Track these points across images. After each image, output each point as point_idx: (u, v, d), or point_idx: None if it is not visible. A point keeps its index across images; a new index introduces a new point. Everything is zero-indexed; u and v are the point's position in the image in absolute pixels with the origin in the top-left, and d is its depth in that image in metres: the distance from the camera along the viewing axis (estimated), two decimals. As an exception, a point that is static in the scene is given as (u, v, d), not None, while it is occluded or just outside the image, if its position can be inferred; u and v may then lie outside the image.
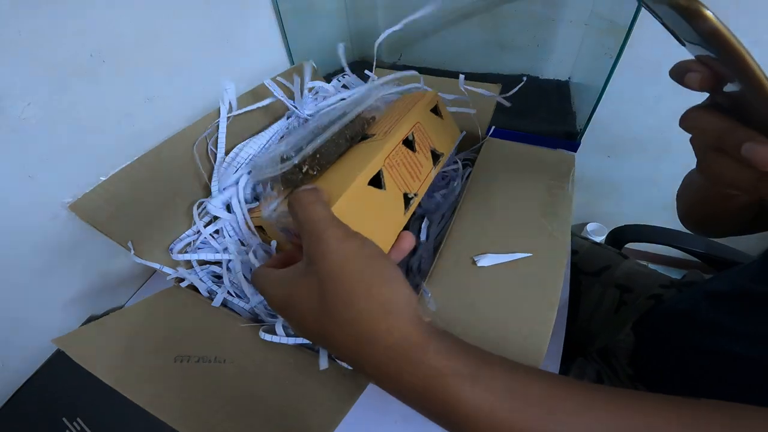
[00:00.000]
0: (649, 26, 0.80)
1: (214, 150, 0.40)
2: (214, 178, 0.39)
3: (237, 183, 0.39)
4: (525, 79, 0.50)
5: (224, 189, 0.39)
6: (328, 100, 0.46)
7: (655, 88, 0.83)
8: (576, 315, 0.66)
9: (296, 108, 0.45)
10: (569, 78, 0.79)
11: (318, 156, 0.33)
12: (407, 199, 0.34)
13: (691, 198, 0.45)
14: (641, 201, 1.08)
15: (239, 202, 0.38)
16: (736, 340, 0.40)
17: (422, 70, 0.79)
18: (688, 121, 0.23)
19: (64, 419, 0.37)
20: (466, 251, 0.36)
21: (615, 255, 0.68)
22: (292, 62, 0.69)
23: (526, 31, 0.76)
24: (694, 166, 0.26)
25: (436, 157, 0.40)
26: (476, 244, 0.36)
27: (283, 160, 0.33)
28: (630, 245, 0.76)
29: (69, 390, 0.39)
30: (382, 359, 0.20)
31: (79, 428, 0.36)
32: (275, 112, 0.47)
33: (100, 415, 0.37)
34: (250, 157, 0.41)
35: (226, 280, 0.35)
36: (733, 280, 0.46)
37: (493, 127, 0.51)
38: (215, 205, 0.38)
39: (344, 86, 0.53)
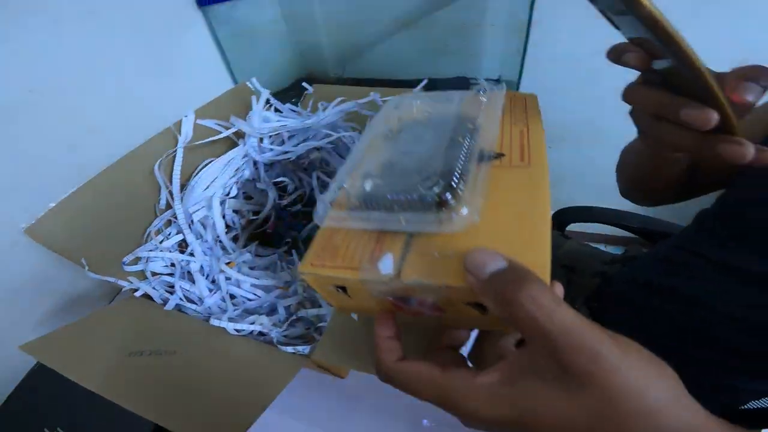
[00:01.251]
0: (566, 23, 0.87)
1: (158, 173, 0.44)
2: (176, 199, 0.43)
3: (210, 203, 0.43)
4: (426, 80, 0.55)
5: (194, 207, 0.43)
6: (275, 123, 0.49)
7: (578, 80, 0.90)
8: None
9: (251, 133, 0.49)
10: (499, 76, 0.84)
11: (462, 181, 0.24)
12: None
13: (632, 169, 0.49)
14: (584, 187, 1.15)
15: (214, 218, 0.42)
16: (683, 299, 0.45)
17: (367, 81, 0.84)
18: (629, 95, 0.27)
19: (45, 429, 0.39)
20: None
21: (558, 237, 0.73)
22: (235, 83, 0.73)
23: (456, 36, 0.82)
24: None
25: None
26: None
27: (428, 194, 0.23)
28: (573, 228, 0.82)
29: (48, 402, 0.42)
30: None
31: (60, 437, 0.39)
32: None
33: (78, 422, 0.40)
34: (215, 179, 0.45)
35: (177, 287, 0.39)
36: (675, 245, 0.50)
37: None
38: (183, 218, 0.41)
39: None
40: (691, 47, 0.21)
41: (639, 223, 0.75)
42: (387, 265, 0.22)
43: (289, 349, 0.36)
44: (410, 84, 0.58)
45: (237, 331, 0.37)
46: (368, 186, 0.24)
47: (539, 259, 0.21)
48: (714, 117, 0.23)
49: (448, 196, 0.22)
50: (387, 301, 0.24)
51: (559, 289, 0.25)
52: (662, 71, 0.24)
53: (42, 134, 0.41)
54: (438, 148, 0.26)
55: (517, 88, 0.67)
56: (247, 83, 0.51)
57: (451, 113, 0.30)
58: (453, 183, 0.23)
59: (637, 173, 0.49)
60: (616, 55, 0.25)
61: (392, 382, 0.23)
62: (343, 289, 0.25)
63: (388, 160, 0.26)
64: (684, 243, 0.49)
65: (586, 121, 0.99)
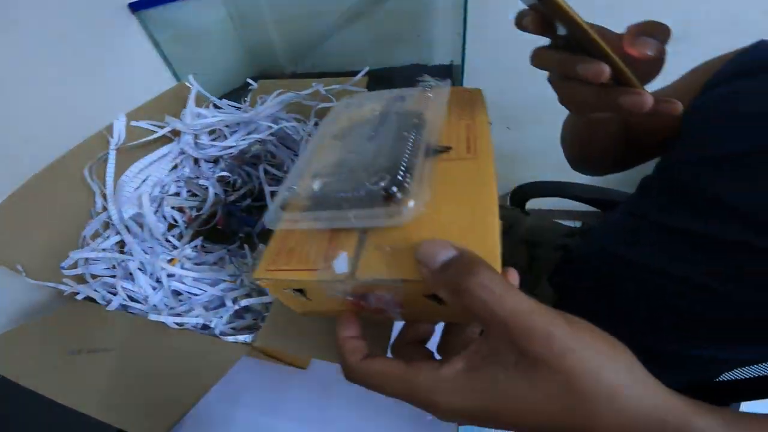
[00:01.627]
0: (506, 2, 0.88)
1: (91, 176, 0.43)
2: (109, 200, 0.43)
3: (141, 201, 0.43)
4: (368, 69, 0.55)
5: (124, 207, 0.43)
6: (210, 119, 0.49)
7: (528, 60, 0.91)
8: None
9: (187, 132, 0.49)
10: (451, 61, 0.84)
11: (408, 173, 0.24)
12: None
13: (569, 139, 0.52)
14: (546, 164, 1.16)
15: (150, 221, 0.42)
16: (637, 266, 0.45)
17: (321, 75, 0.84)
18: (535, 58, 0.29)
19: None
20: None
21: (518, 213, 0.73)
22: None
23: (407, 23, 0.82)
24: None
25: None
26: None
27: (374, 189, 0.23)
28: (534, 206, 0.83)
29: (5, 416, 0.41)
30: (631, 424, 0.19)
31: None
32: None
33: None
34: (147, 177, 0.45)
35: (119, 287, 0.39)
36: (623, 212, 0.52)
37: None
38: (117, 218, 0.42)
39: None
40: (571, 8, 0.23)
41: (593, 193, 0.76)
42: (341, 263, 0.22)
43: (231, 338, 0.36)
44: (354, 74, 0.59)
45: (178, 324, 0.37)
46: (317, 185, 0.25)
47: (489, 247, 0.22)
48: (605, 69, 0.25)
49: (395, 189, 0.23)
50: (347, 301, 0.24)
51: (513, 275, 0.24)
52: (565, 36, 0.26)
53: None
54: (384, 145, 0.26)
55: (462, 73, 0.67)
56: (186, 82, 0.51)
57: (398, 110, 0.31)
58: (399, 176, 0.23)
59: (573, 142, 0.52)
60: (517, 20, 0.27)
61: (359, 382, 0.23)
62: (302, 291, 0.25)
63: (338, 160, 0.26)
64: (631, 209, 0.51)
65: (543, 98, 0.98)
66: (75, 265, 0.40)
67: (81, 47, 0.51)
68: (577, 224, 0.74)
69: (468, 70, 0.76)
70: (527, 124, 1.06)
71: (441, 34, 0.82)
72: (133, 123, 0.44)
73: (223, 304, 0.42)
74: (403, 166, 0.24)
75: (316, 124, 0.55)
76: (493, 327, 0.20)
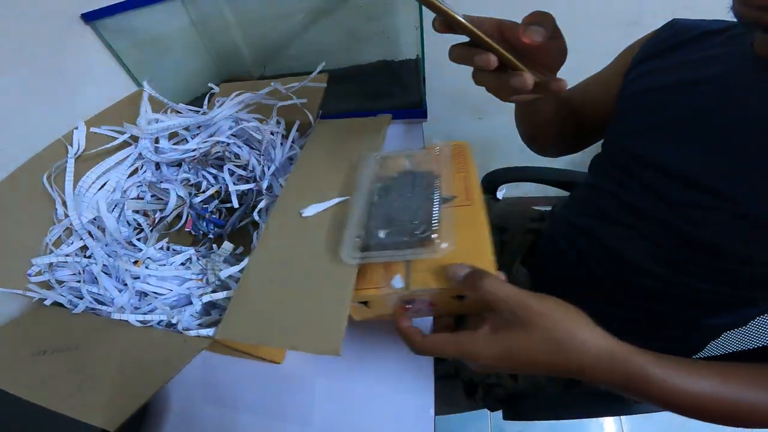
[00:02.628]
0: None
1: (51, 184, 0.44)
2: (70, 206, 0.44)
3: (98, 205, 0.44)
4: (323, 64, 0.57)
5: (83, 212, 0.44)
6: (166, 123, 0.50)
7: None
8: None
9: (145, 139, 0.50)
10: (417, 56, 0.83)
11: (438, 224, 0.37)
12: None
13: (517, 123, 0.54)
14: (515, 150, 1.18)
15: (109, 224, 0.43)
16: (597, 244, 0.48)
17: (291, 76, 0.84)
18: (450, 54, 0.34)
19: None
20: (293, 208, 0.44)
21: (488, 200, 0.75)
22: None
23: (370, 20, 0.81)
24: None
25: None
26: (301, 203, 0.44)
27: (418, 236, 0.36)
28: (506, 194, 0.84)
29: None
30: (594, 363, 0.31)
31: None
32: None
33: None
34: (105, 183, 0.46)
35: (84, 291, 0.40)
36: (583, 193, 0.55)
37: (320, 112, 0.58)
38: (78, 224, 0.42)
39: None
40: (450, 10, 0.29)
41: (559, 176, 0.78)
42: (398, 282, 0.36)
43: (193, 333, 0.37)
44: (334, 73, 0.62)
45: (141, 322, 0.38)
46: (382, 234, 0.37)
47: (486, 264, 0.35)
48: (491, 58, 0.32)
49: (434, 236, 0.36)
50: (397, 306, 0.38)
51: (502, 275, 0.36)
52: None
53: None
54: (418, 202, 0.39)
55: (423, 67, 0.68)
56: (144, 89, 0.52)
57: (419, 170, 0.43)
58: (434, 226, 0.36)
59: (519, 125, 0.55)
60: (432, 23, 0.32)
61: (425, 353, 0.35)
62: (365, 303, 0.38)
63: (388, 214, 0.39)
64: (589, 185, 0.53)
65: None
66: (41, 272, 0.41)
67: (36, 60, 0.51)
68: (548, 209, 0.76)
69: (432, 63, 0.75)
70: (496, 113, 1.07)
71: (404, 30, 0.82)
72: (93, 129, 0.45)
73: (190, 302, 0.43)
74: (435, 218, 0.37)
75: (278, 122, 0.56)
76: (500, 306, 0.32)
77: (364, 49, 0.85)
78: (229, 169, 0.54)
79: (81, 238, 0.42)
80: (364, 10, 0.81)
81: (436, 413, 0.43)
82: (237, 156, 0.54)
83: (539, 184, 0.79)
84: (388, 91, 0.81)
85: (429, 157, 0.45)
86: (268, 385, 0.46)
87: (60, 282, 0.41)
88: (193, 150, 0.50)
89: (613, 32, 0.89)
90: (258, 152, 0.54)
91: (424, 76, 0.70)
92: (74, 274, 0.42)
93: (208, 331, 0.38)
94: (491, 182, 0.82)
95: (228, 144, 0.52)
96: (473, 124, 1.13)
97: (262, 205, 0.49)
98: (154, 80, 0.70)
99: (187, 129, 0.50)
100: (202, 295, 0.41)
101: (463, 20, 0.30)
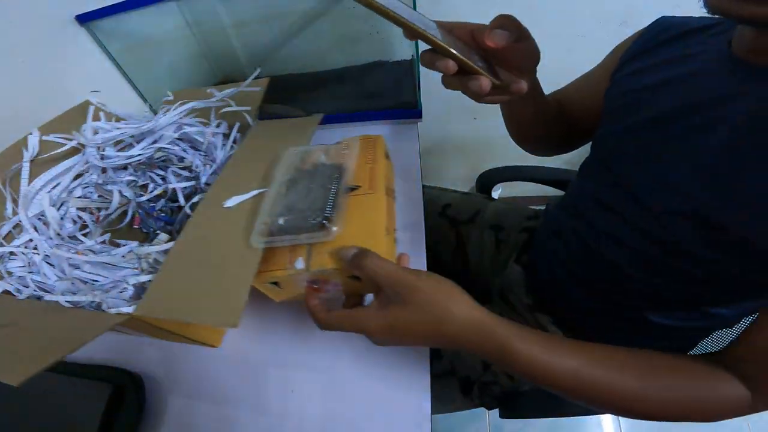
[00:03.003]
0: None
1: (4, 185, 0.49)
2: (21, 204, 0.48)
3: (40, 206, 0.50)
4: (259, 70, 0.62)
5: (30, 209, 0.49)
6: (109, 134, 0.55)
7: None
8: (468, 264, 0.73)
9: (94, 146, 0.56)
10: (412, 56, 0.81)
11: (333, 212, 0.41)
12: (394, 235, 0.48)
13: (504, 122, 0.57)
14: (509, 149, 1.18)
15: (51, 216, 0.49)
16: (582, 244, 0.49)
17: (280, 79, 0.78)
18: (421, 60, 0.36)
19: None
20: (218, 201, 0.47)
21: (483, 200, 0.77)
22: (141, 96, 0.77)
23: (364, 21, 0.78)
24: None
25: (391, 192, 0.51)
26: (226, 195, 0.47)
27: (314, 223, 0.40)
28: (502, 194, 0.83)
29: None
30: (463, 332, 0.35)
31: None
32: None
33: None
34: (46, 182, 0.51)
35: (28, 279, 0.45)
36: (572, 191, 0.56)
37: (258, 113, 0.62)
38: (25, 219, 0.48)
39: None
40: (407, 20, 0.31)
41: (553, 175, 0.78)
42: (300, 263, 0.40)
43: (113, 310, 0.41)
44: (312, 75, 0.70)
45: (72, 303, 0.42)
46: (282, 221, 0.41)
47: (378, 244, 0.40)
48: (450, 63, 0.33)
49: (325, 222, 0.40)
50: (305, 286, 0.42)
51: (405, 259, 0.43)
52: None
53: None
54: (318, 193, 0.43)
55: (417, 69, 0.70)
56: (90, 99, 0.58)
57: (325, 163, 0.48)
58: (327, 213, 0.41)
59: (506, 126, 0.58)
60: None
61: (329, 328, 0.39)
62: (276, 283, 0.43)
63: (290, 203, 0.43)
64: (576, 185, 0.54)
65: None
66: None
67: (30, 62, 0.56)
68: (542, 207, 0.76)
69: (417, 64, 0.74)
70: (491, 113, 1.05)
71: (398, 30, 0.81)
72: (44, 137, 0.51)
73: (125, 289, 0.47)
74: (329, 206, 0.41)
75: (218, 125, 0.61)
76: (383, 283, 0.36)
77: (358, 49, 0.83)
78: (173, 170, 0.59)
79: (29, 234, 0.47)
80: (356, 12, 0.78)
81: (432, 412, 0.44)
82: (181, 159, 0.59)
83: (535, 183, 0.80)
84: (382, 91, 0.82)
85: (340, 151, 0.49)
86: (264, 383, 0.49)
87: (9, 273, 0.46)
88: (138, 155, 0.55)
89: (605, 32, 0.90)
90: (200, 152, 0.59)
91: (419, 76, 0.71)
92: (23, 266, 0.47)
93: (129, 309, 0.42)
94: (486, 181, 0.84)
95: (171, 148, 0.57)
96: (469, 124, 1.14)
97: (195, 199, 0.53)
98: (149, 83, 0.73)
99: (132, 136, 0.55)
100: (131, 279, 0.46)
101: (418, 28, 0.32)
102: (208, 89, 0.59)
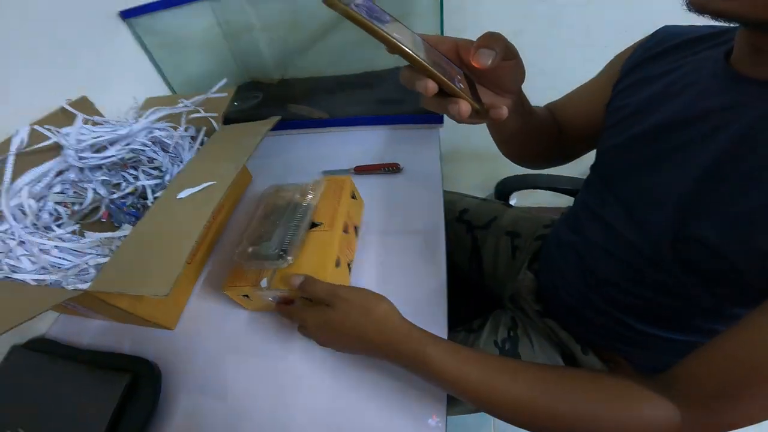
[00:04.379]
0: (484, 7, 0.91)
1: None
2: (3, 195, 0.53)
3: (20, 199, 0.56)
4: (225, 81, 0.66)
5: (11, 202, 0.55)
6: (89, 141, 0.60)
7: None
8: (482, 269, 0.74)
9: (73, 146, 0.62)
10: None
11: (290, 244, 0.51)
12: (348, 265, 0.57)
13: (491, 134, 0.54)
14: None
15: (29, 207, 0.54)
16: (578, 257, 0.49)
17: (305, 81, 0.87)
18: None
19: (7, 431, 0.46)
20: (173, 192, 0.53)
21: (500, 206, 0.78)
22: (172, 90, 0.83)
23: None
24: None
25: (356, 229, 0.61)
26: (180, 188, 0.53)
27: (273, 253, 0.50)
28: (518, 203, 0.82)
29: (8, 404, 0.50)
30: (382, 333, 0.42)
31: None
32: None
33: (38, 423, 0.47)
34: (28, 180, 0.57)
35: (3, 263, 0.50)
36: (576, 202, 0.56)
37: (223, 118, 0.68)
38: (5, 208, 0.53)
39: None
40: (393, 37, 0.29)
41: (571, 184, 0.79)
42: (264, 282, 0.49)
43: (71, 287, 0.46)
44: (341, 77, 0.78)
45: (36, 281, 0.48)
46: (251, 250, 0.52)
47: (324, 273, 0.48)
48: (429, 84, 0.31)
49: (283, 252, 0.50)
50: (268, 300, 0.53)
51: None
52: None
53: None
54: (284, 226, 0.53)
55: None
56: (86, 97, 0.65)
57: (296, 202, 0.57)
58: (285, 246, 0.51)
59: (492, 137, 0.55)
60: None
61: (288, 316, 0.51)
62: (247, 296, 0.53)
63: (261, 234, 0.53)
64: (579, 197, 0.54)
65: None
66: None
67: (77, 53, 0.61)
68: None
69: None
70: None
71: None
72: (37, 127, 0.57)
73: (88, 272, 0.52)
74: (288, 239, 0.52)
75: (186, 128, 0.67)
76: (321, 297, 0.45)
77: (380, 54, 0.79)
78: (144, 170, 0.65)
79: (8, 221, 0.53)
80: None
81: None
82: (151, 159, 0.65)
83: (554, 192, 0.81)
84: (403, 97, 0.83)
85: (308, 190, 0.58)
86: (277, 382, 0.50)
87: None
88: (111, 156, 0.61)
89: (630, 42, 0.91)
90: (169, 153, 0.65)
91: None
92: (2, 252, 0.52)
93: (83, 285, 0.46)
94: (505, 189, 0.86)
95: (143, 150, 0.63)
96: (486, 132, 1.10)
97: (158, 193, 0.59)
98: (181, 80, 0.77)
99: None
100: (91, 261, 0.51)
101: (397, 42, 0.30)
102: (179, 98, 0.65)
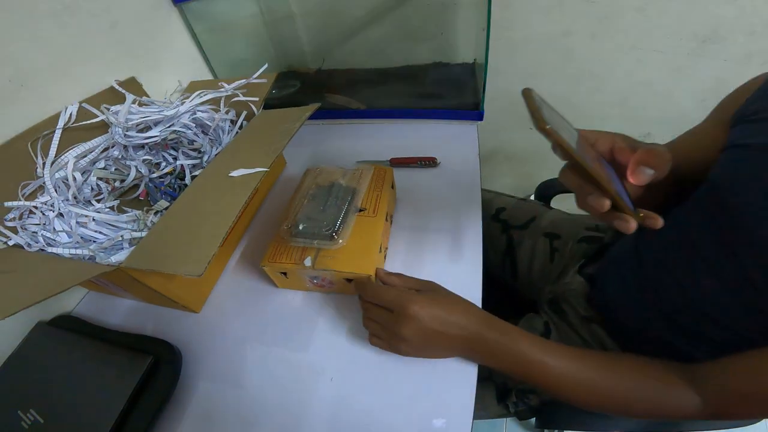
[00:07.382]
0: (535, 4, 0.87)
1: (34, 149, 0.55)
2: (47, 167, 0.54)
3: (66, 173, 0.56)
4: (266, 66, 0.65)
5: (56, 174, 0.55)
6: (136, 119, 0.60)
7: (551, 60, 0.91)
8: (516, 270, 0.72)
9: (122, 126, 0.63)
10: (474, 59, 0.82)
11: (342, 225, 0.50)
12: (384, 254, 0.57)
13: None
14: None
15: (74, 180, 0.55)
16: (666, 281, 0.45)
17: (343, 72, 0.88)
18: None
19: (19, 412, 0.45)
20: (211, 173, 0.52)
21: (540, 206, 0.75)
22: (214, 75, 0.84)
23: (431, 20, 0.79)
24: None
25: (389, 218, 0.60)
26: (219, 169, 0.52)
27: (326, 233, 0.49)
28: (557, 206, 0.77)
29: (22, 386, 0.48)
30: (473, 322, 0.44)
31: (32, 418, 0.45)
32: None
33: (52, 405, 0.46)
34: (77, 154, 0.58)
35: (40, 235, 0.50)
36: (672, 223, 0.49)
37: (264, 103, 0.67)
38: (49, 180, 0.53)
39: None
40: (584, 160, 0.31)
41: None
42: (308, 262, 0.49)
43: (104, 262, 0.46)
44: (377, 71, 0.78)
45: (71, 255, 0.47)
46: (301, 227, 0.50)
47: (369, 264, 0.49)
48: (606, 203, 0.32)
49: (335, 234, 0.49)
50: (307, 279, 0.52)
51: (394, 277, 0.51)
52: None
53: (16, 124, 0.53)
54: (333, 208, 0.52)
55: (485, 70, 0.69)
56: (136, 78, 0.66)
57: (341, 184, 0.56)
58: (337, 227, 0.49)
59: None
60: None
61: (376, 296, 0.47)
62: (285, 274, 0.52)
63: (309, 213, 0.52)
64: (677, 220, 0.45)
65: (562, 99, 0.99)
66: (14, 219, 0.52)
67: (129, 35, 0.63)
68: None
69: (489, 69, 0.70)
70: None
71: (464, 33, 0.80)
72: (86, 105, 0.58)
73: (123, 248, 0.52)
74: (339, 221, 0.50)
75: (227, 111, 0.66)
76: (385, 302, 0.45)
77: (420, 49, 0.84)
78: (184, 151, 0.64)
79: (49, 193, 0.53)
80: (424, 11, 0.79)
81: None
82: (191, 141, 0.65)
83: None
84: (442, 91, 0.83)
85: (356, 175, 0.57)
86: (296, 374, 0.49)
87: (24, 228, 0.52)
88: (155, 137, 0.61)
89: (685, 49, 0.87)
90: (208, 136, 0.64)
91: (485, 79, 0.71)
92: (39, 224, 0.53)
93: (117, 261, 0.46)
94: (546, 191, 0.83)
95: (184, 131, 0.63)
96: (523, 134, 1.13)
97: (196, 173, 0.58)
98: (223, 66, 0.79)
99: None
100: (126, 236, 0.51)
101: (590, 167, 0.31)
102: (219, 81, 0.65)
